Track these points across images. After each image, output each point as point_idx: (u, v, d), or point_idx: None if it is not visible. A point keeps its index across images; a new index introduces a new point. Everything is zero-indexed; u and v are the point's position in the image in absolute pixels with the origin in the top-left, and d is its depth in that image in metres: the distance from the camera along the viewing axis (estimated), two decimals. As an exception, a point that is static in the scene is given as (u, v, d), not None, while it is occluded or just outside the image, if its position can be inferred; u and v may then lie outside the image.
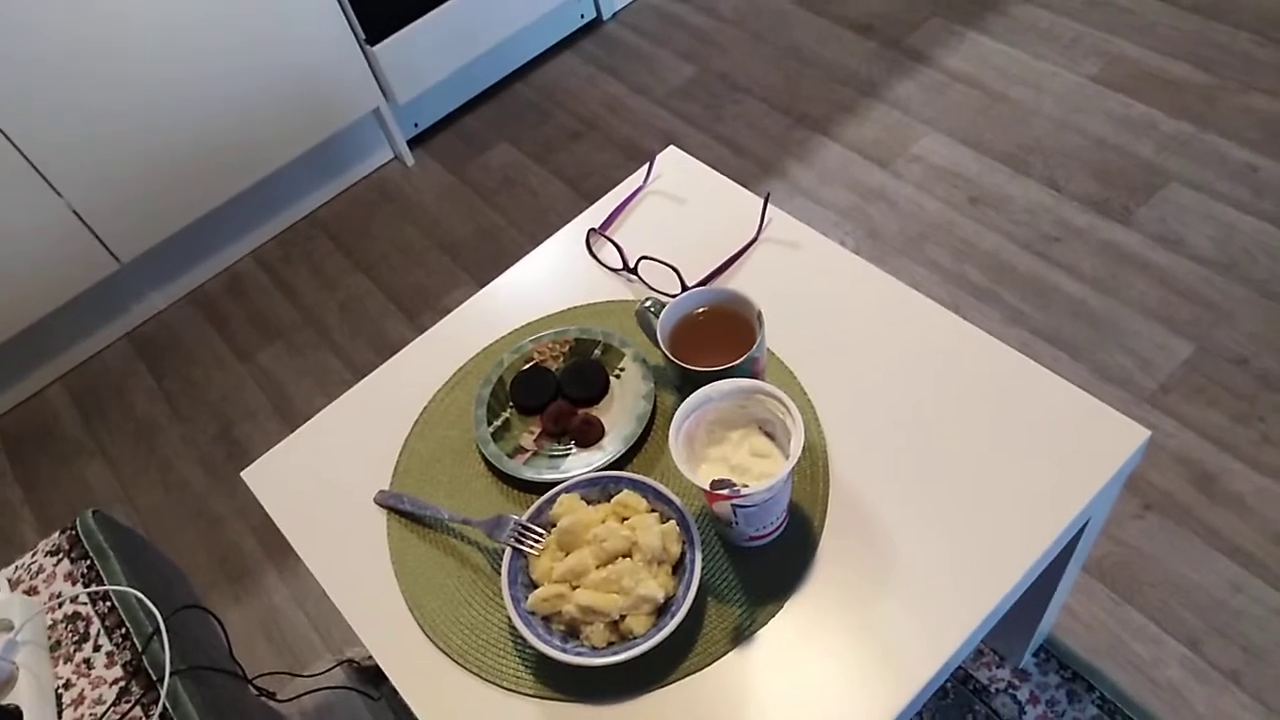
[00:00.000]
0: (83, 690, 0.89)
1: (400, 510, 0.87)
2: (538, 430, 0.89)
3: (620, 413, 0.88)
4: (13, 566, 1.00)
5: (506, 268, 1.97)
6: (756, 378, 0.81)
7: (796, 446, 0.70)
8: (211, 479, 1.70)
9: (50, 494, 1.74)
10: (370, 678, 1.32)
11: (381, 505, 0.88)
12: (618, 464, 0.85)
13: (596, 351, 0.93)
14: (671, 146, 1.13)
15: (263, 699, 1.07)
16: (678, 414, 0.73)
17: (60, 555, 0.99)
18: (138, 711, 0.86)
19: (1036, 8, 2.06)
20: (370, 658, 1.32)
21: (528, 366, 0.93)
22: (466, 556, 0.83)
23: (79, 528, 1.01)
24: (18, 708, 0.84)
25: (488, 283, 1.88)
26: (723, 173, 1.90)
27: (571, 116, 2.15)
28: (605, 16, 2.36)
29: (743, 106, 2.05)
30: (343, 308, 1.90)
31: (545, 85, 2.24)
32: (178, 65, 1.68)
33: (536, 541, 0.77)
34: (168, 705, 0.86)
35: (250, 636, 1.48)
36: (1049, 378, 0.83)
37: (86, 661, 0.91)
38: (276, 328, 1.90)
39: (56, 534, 1.02)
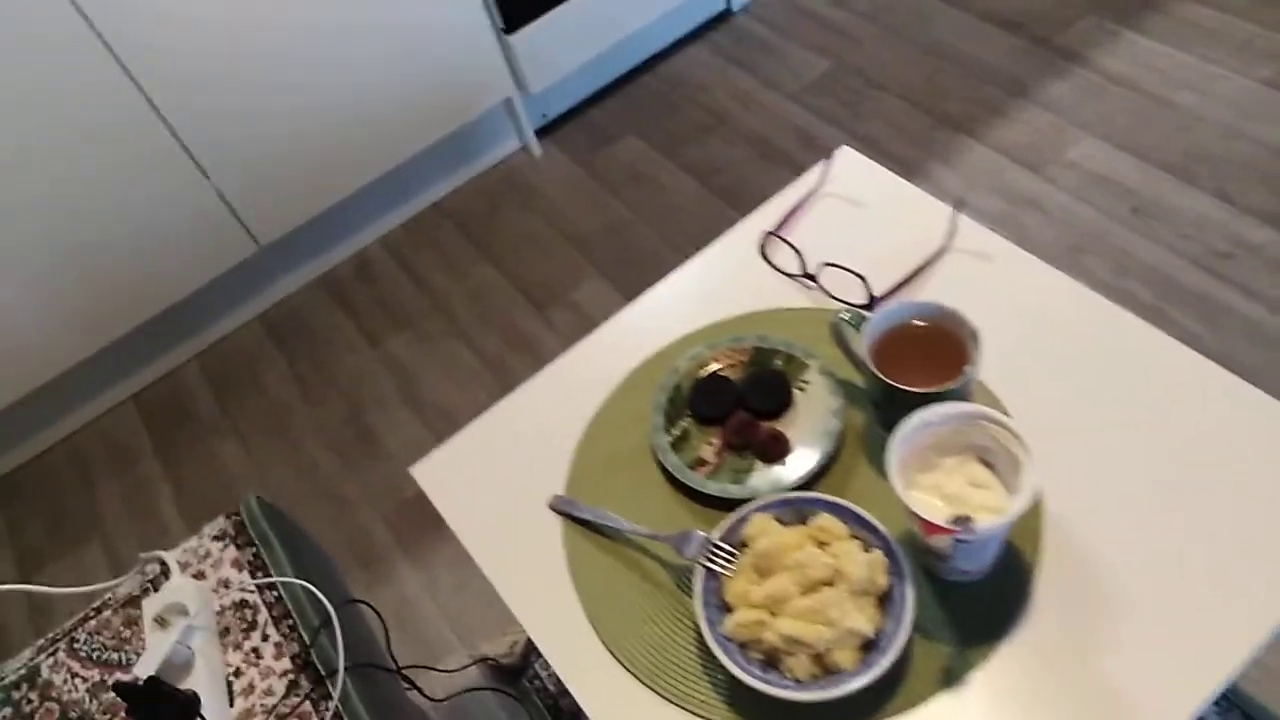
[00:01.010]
0: (252, 680, 0.89)
1: (576, 518, 0.84)
2: (718, 442, 0.85)
3: (808, 429, 0.84)
4: (180, 549, 1.01)
5: (635, 264, 1.98)
6: (966, 400, 0.76)
7: (1029, 480, 0.65)
8: (342, 463, 1.71)
9: (187, 470, 1.78)
10: (507, 677, 1.31)
11: (557, 511, 0.86)
12: (806, 484, 0.81)
13: (778, 361, 0.89)
14: (845, 147, 1.08)
15: (412, 693, 1.06)
16: (894, 439, 0.69)
17: (226, 541, 1.00)
18: (307, 705, 0.86)
19: (1201, 6, 1.93)
20: (509, 656, 1.31)
21: (706, 374, 0.89)
22: (649, 571, 0.80)
23: (244, 513, 1.01)
24: (195, 694, 0.84)
25: (616, 278, 1.87)
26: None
27: (701, 110, 2.10)
28: (735, 8, 2.31)
29: (881, 104, 1.98)
30: (471, 296, 1.90)
31: (674, 77, 2.20)
32: (322, 54, 1.69)
33: (729, 561, 0.74)
34: (339, 705, 0.85)
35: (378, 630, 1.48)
36: (1295, 415, 0.75)
37: (255, 651, 0.91)
38: (405, 314, 1.91)
39: (221, 518, 1.02)
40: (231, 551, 0.99)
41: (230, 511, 1.03)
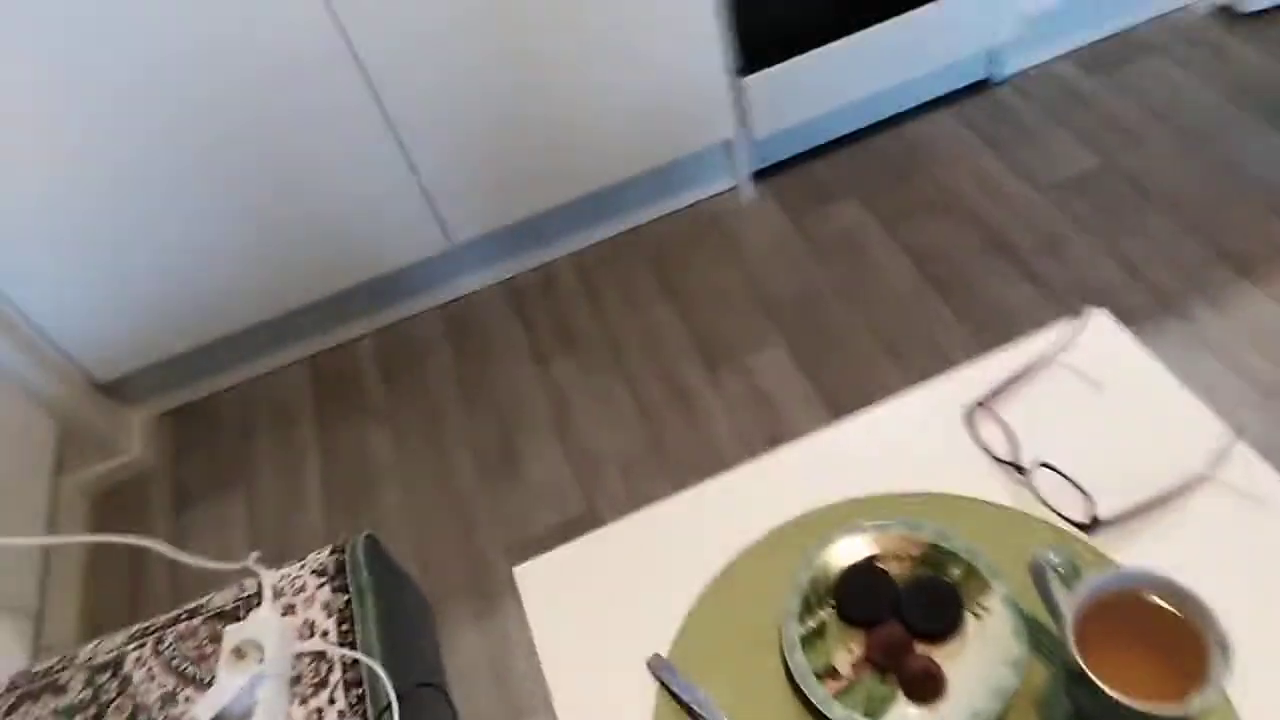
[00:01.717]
0: (307, 746, 0.84)
1: (671, 691, 0.73)
2: (859, 652, 0.71)
3: (972, 671, 0.68)
4: (279, 574, 0.98)
5: (825, 342, 1.81)
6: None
7: None
8: (479, 477, 1.68)
9: (338, 443, 1.80)
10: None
11: (653, 674, 0.75)
12: (955, 742, 0.65)
13: (955, 570, 0.73)
14: (1102, 311, 0.89)
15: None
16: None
17: (325, 579, 0.96)
18: (350, 798, 0.80)
19: None
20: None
21: (862, 560, 0.75)
22: (738, 791, 0.67)
23: (348, 555, 0.97)
24: (243, 754, 0.79)
25: (800, 353, 1.73)
26: (1110, 303, 1.60)
27: (935, 186, 1.91)
28: (997, 79, 2.09)
29: (1150, 220, 1.72)
30: (645, 334, 1.82)
31: (912, 144, 2.01)
32: (547, 65, 1.65)
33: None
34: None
35: (475, 667, 1.43)
36: None
37: (319, 712, 0.86)
38: (575, 337, 1.85)
39: (327, 553, 0.98)
40: (326, 593, 0.95)
41: (337, 547, 0.99)
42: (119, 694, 0.93)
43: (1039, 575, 0.65)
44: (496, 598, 1.51)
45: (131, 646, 0.96)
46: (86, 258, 1.63)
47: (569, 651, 0.78)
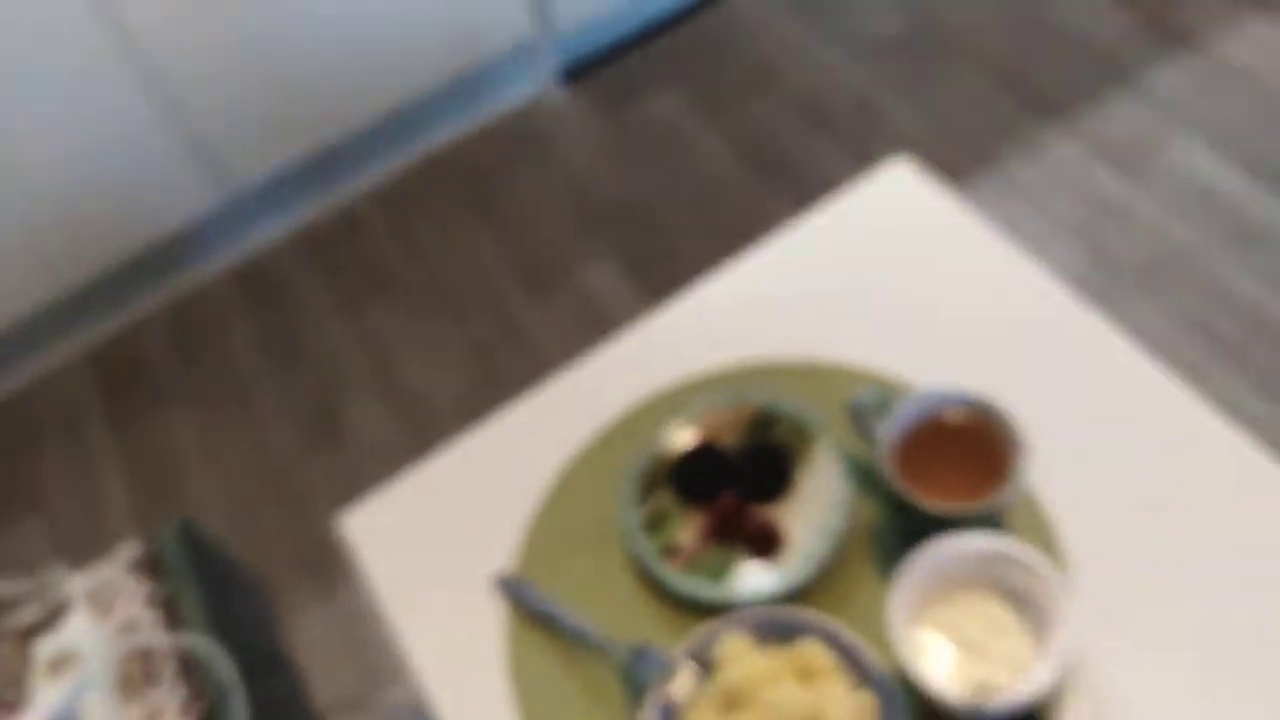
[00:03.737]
0: (148, 743, 0.85)
1: (523, 603, 0.78)
2: (700, 527, 0.78)
3: (806, 522, 0.76)
4: (88, 576, 0.96)
5: (656, 246, 1.88)
6: (999, 516, 0.68)
7: (1062, 646, 0.57)
8: (301, 448, 1.67)
9: (137, 440, 1.74)
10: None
11: (502, 590, 0.80)
12: (796, 592, 0.74)
13: (784, 432, 0.81)
14: (903, 158, 0.98)
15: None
16: (901, 581, 0.61)
17: (139, 573, 0.95)
18: (205, 783, 0.82)
19: (1355, -15, 1.77)
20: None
21: (695, 441, 0.82)
22: (600, 681, 0.74)
23: (163, 546, 0.97)
24: (76, 764, 0.80)
25: (633, 261, 1.78)
26: (924, 154, 1.73)
27: (750, 65, 1.98)
28: (801, -53, 2.17)
29: (959, 76, 1.85)
30: (463, 266, 1.83)
31: (727, 23, 2.07)
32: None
33: (691, 678, 0.68)
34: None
35: (326, 641, 1.45)
36: None
37: (158, 711, 0.87)
38: (388, 281, 1.85)
39: (137, 544, 0.98)
40: (143, 586, 0.95)
41: (148, 536, 0.98)
42: (-80, 737, 0.90)
43: (856, 415, 0.73)
44: (338, 571, 1.52)
45: (-75, 684, 0.93)
46: None
47: (412, 589, 0.82)
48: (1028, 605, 0.63)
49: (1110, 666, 0.67)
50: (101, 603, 0.94)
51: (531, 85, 2.05)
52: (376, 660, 1.43)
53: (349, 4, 1.67)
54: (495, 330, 1.74)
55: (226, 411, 1.75)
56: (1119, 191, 1.63)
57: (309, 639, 1.46)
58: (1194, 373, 1.42)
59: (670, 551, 0.78)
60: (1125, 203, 1.61)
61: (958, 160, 1.73)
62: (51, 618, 0.95)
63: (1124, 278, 1.53)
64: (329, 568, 1.53)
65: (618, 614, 0.76)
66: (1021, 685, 0.59)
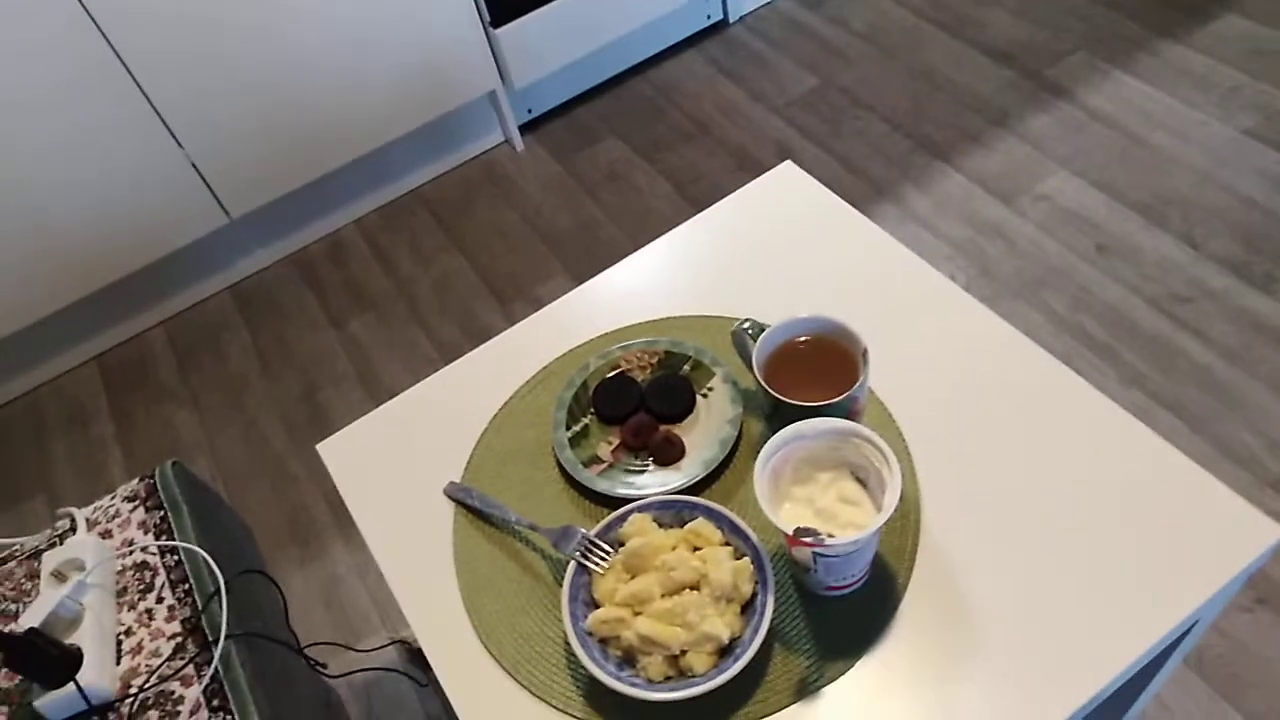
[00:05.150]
0: (141, 640, 0.90)
1: (468, 505, 0.86)
2: (616, 441, 0.87)
3: (703, 435, 0.85)
4: (91, 507, 1.02)
5: (602, 264, 2.00)
6: (854, 417, 0.77)
7: (891, 501, 0.66)
8: (291, 440, 1.73)
9: (140, 434, 1.80)
10: (421, 661, 1.32)
11: (450, 497, 0.87)
12: (695, 488, 0.82)
13: (686, 367, 0.90)
14: (788, 162, 1.09)
15: (313, 670, 1.08)
16: (765, 449, 0.70)
17: (137, 503, 1.01)
18: (190, 669, 0.87)
19: (1193, 51, 1.94)
20: (421, 642, 1.32)
21: (613, 374, 0.91)
22: (530, 563, 0.81)
23: (158, 478, 1.03)
24: (79, 649, 0.85)
25: (581, 277, 1.89)
26: (833, 188, 1.85)
27: (686, 118, 2.12)
28: (731, 19, 2.33)
29: (863, 124, 1.99)
30: (436, 285, 1.92)
31: (663, 83, 2.22)
32: (305, 31, 1.71)
33: (603, 559, 0.75)
34: (219, 668, 0.86)
35: (309, 602, 1.50)
36: (1177, 457, 0.76)
37: (149, 612, 0.93)
38: (370, 297, 1.93)
39: (136, 481, 1.04)
40: (140, 513, 1.01)
41: (145, 475, 1.04)
42: (-62, 646, 0.95)
43: (738, 339, 0.83)
44: (322, 543, 1.57)
45: (-56, 602, 0.98)
46: None
47: (375, 501, 0.89)
48: (870, 481, 0.72)
49: (941, 534, 0.76)
50: (102, 528, 1.00)
51: (496, 133, 2.17)
52: (357, 617, 1.47)
53: (340, 61, 1.77)
54: (461, 335, 1.82)
55: (222, 408, 1.80)
56: (998, 216, 1.76)
57: (293, 601, 1.51)
58: (1066, 364, 1.53)
59: (592, 462, 0.86)
60: (1004, 225, 1.74)
61: (861, 192, 1.86)
62: (57, 541, 1.01)
63: (1004, 287, 1.65)
64: (315, 539, 1.58)
65: (548, 510, 0.84)
66: (852, 532, 0.67)
